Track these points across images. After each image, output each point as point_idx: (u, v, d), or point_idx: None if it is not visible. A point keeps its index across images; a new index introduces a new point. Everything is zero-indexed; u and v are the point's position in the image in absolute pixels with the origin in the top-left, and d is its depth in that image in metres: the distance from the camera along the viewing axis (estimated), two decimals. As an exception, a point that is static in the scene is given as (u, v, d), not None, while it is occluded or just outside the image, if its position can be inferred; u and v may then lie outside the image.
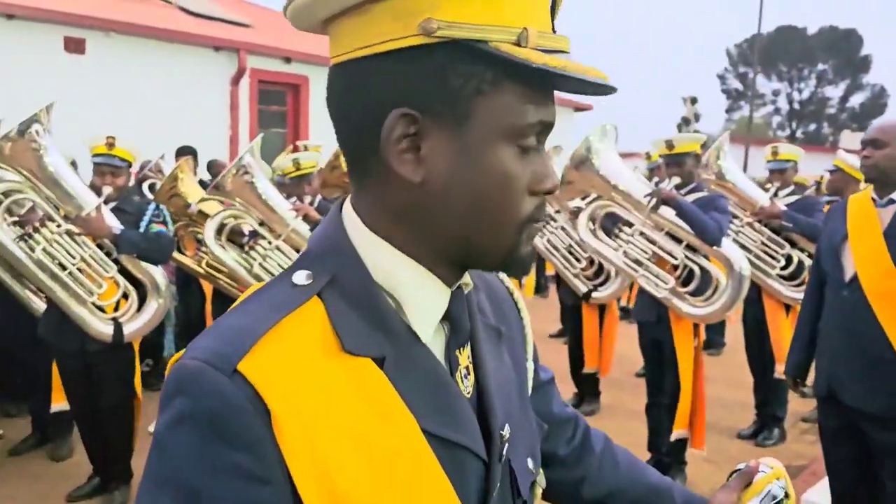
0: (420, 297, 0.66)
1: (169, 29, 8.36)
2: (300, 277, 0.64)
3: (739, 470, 0.90)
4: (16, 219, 3.29)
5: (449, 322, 0.69)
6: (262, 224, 3.75)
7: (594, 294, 4.52)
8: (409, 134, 0.61)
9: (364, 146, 0.64)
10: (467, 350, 0.71)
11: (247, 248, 3.75)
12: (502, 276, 0.85)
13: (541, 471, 0.82)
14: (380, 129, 0.61)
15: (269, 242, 3.74)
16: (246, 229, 3.79)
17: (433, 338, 0.67)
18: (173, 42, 8.34)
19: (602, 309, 4.68)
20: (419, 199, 0.63)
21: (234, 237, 3.82)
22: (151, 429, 0.97)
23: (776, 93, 43.15)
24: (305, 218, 3.73)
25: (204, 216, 3.91)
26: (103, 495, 3.50)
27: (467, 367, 0.71)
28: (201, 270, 4.40)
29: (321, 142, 5.38)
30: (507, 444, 0.72)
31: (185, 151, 5.08)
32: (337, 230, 0.68)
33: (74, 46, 7.86)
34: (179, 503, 0.56)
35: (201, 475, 0.56)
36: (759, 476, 0.88)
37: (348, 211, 0.68)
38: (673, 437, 3.61)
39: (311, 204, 3.83)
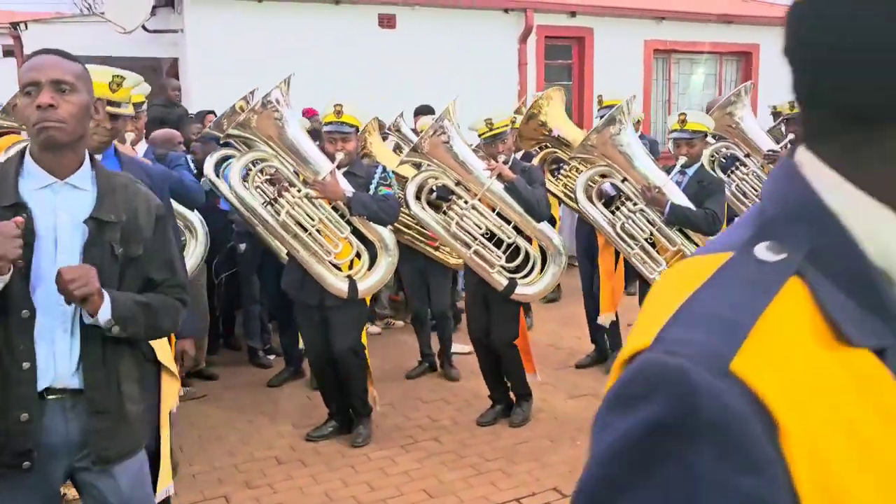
0: None
1: (462, -4, 8.93)
2: (765, 252, 0.53)
3: None
4: (265, 183, 3.77)
5: None
6: (458, 184, 3.92)
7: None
8: None
9: (876, 84, 0.50)
10: None
11: (444, 209, 3.94)
12: None
13: None
14: None
15: (465, 202, 3.90)
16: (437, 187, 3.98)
17: None
18: (468, 8, 8.87)
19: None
20: None
21: (432, 197, 4.05)
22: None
23: None
24: (499, 177, 3.80)
25: (399, 177, 4.18)
26: (346, 434, 3.88)
27: None
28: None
29: (604, 92, 5.15)
30: None
31: (422, 111, 5.38)
32: (803, 190, 0.55)
33: (387, 22, 8.87)
34: None
35: None
36: None
37: (815, 167, 0.55)
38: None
39: (506, 163, 3.85)
